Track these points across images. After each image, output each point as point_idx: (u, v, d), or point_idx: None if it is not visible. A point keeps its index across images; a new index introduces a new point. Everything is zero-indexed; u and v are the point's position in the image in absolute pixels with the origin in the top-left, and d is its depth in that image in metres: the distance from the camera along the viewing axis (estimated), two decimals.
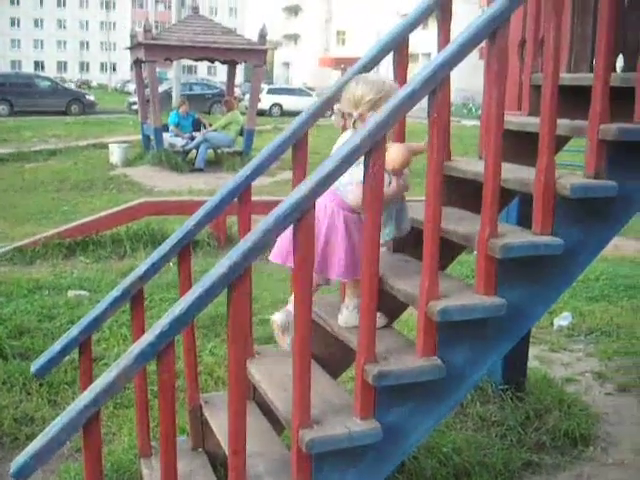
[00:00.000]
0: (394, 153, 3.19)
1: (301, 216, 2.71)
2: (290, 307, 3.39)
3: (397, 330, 3.60)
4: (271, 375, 3.61)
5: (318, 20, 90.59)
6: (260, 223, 2.75)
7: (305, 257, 2.77)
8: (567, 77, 3.91)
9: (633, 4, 3.93)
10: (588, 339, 7.10)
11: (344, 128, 3.50)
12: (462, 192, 3.75)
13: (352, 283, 3.48)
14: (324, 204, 3.26)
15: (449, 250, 3.65)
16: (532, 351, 6.31)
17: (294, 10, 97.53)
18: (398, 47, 3.71)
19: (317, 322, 3.65)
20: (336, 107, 3.47)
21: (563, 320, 7.37)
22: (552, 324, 7.37)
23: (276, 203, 2.79)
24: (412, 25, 3.75)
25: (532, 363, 6.14)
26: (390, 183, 3.27)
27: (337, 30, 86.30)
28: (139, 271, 3.70)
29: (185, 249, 3.73)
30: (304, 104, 29.27)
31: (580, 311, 7.71)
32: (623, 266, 9.91)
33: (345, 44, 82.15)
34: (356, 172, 2.96)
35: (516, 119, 3.95)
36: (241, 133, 18.82)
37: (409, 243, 3.74)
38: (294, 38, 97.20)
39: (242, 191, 3.69)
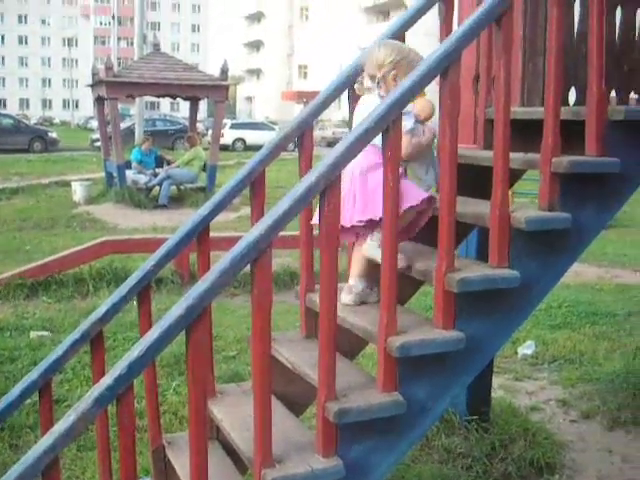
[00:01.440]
0: (421, 105, 3.43)
1: (258, 255, 2.72)
2: (351, 281, 3.64)
3: (358, 365, 3.61)
4: (233, 414, 3.59)
5: (280, 55, 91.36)
6: (217, 264, 2.76)
7: (263, 294, 2.78)
8: (520, 111, 3.97)
9: (582, 38, 4.00)
10: (552, 367, 7.16)
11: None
12: None
13: (357, 260, 3.61)
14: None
15: (409, 285, 3.68)
16: (497, 381, 6.35)
17: (256, 45, 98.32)
18: (352, 84, 3.76)
19: (278, 359, 3.65)
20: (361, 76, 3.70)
21: (527, 349, 7.43)
22: (516, 353, 7.42)
23: (237, 239, 2.80)
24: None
25: (497, 393, 6.17)
26: (423, 131, 3.52)
27: (299, 64, 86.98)
28: (98, 313, 3.68)
29: (144, 290, 3.72)
30: (267, 138, 29.39)
31: (543, 339, 7.77)
32: (585, 292, 10.02)
33: (307, 78, 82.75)
34: None
35: (471, 153, 4.00)
36: (204, 169, 18.83)
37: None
38: (256, 73, 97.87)
39: (200, 231, 3.69)
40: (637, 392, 6.22)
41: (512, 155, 3.28)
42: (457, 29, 3.14)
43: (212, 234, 3.80)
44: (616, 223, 15.13)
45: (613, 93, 3.88)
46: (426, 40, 3.79)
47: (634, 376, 6.47)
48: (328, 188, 2.81)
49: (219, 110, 19.81)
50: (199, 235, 3.70)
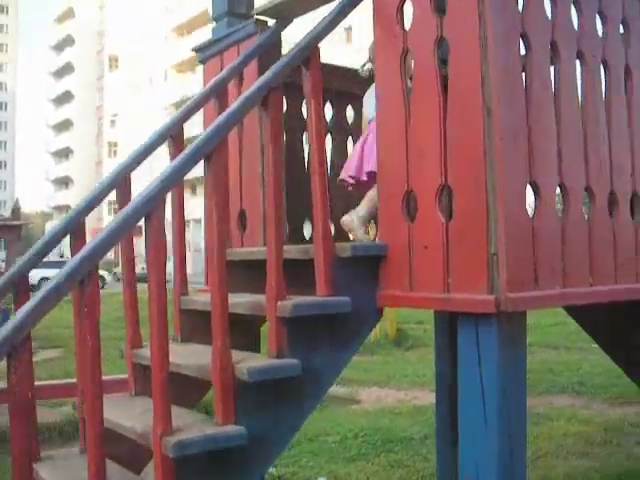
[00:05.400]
0: None
1: None
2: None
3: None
4: None
5: (89, 191, 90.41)
6: None
7: None
8: (241, 252, 3.81)
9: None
10: None
11: None
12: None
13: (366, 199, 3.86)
14: None
15: (194, 388, 3.45)
16: None
17: (64, 182, 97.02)
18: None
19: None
20: None
21: None
22: None
23: None
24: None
25: None
26: None
27: (109, 200, 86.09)
28: None
29: None
30: None
31: (336, 474, 7.49)
32: (383, 418, 9.88)
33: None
34: None
35: (203, 298, 3.71)
36: None
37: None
38: (65, 209, 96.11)
39: None
40: None
41: (236, 299, 3.07)
42: (167, 166, 2.95)
43: None
44: (417, 343, 15.37)
45: None
46: None
47: None
48: (12, 353, 2.50)
49: (12, 250, 19.13)
50: None
